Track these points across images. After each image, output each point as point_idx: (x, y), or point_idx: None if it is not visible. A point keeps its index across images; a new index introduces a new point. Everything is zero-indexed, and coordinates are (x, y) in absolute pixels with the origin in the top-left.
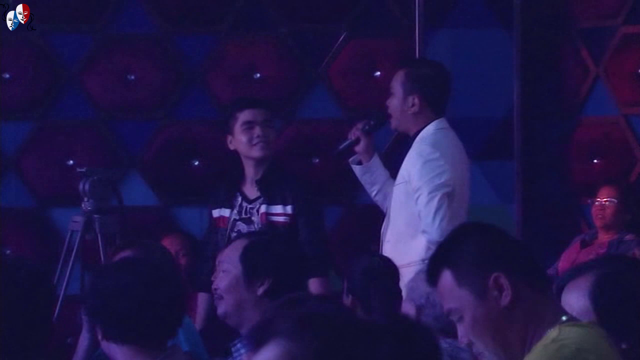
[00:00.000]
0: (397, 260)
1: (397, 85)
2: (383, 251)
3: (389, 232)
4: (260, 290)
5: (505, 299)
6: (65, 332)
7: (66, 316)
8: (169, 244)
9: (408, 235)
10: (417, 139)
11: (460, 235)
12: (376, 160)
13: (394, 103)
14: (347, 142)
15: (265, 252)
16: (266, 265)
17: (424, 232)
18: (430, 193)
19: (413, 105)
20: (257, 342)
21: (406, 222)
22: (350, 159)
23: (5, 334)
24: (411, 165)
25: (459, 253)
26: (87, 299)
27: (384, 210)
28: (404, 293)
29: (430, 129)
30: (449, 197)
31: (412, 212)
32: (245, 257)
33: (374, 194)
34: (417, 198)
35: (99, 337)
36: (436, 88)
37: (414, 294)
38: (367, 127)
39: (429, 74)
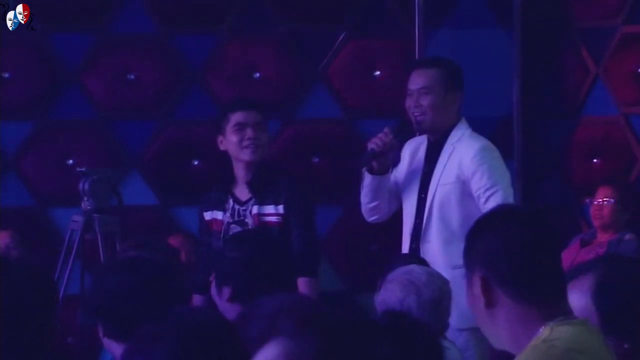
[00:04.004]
0: (449, 261)
1: (433, 82)
2: (424, 252)
3: (433, 232)
4: (225, 298)
5: (482, 301)
6: (64, 332)
7: (66, 316)
8: (175, 243)
9: (462, 235)
10: (455, 137)
11: (489, 221)
12: (390, 176)
13: (430, 100)
14: (369, 152)
15: (225, 260)
16: (226, 273)
17: None
18: (505, 190)
19: (454, 101)
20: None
21: (460, 223)
22: (366, 167)
23: (7, 334)
24: (476, 165)
25: (474, 239)
26: (89, 297)
27: (368, 219)
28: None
29: (463, 127)
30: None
31: (467, 212)
32: (214, 266)
33: (371, 205)
34: (490, 196)
35: (100, 334)
36: (462, 85)
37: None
38: (395, 134)
39: (457, 71)
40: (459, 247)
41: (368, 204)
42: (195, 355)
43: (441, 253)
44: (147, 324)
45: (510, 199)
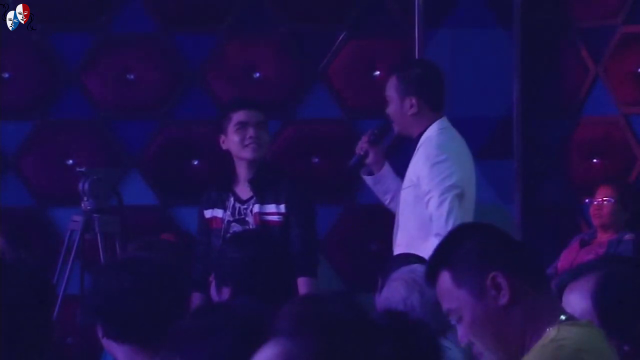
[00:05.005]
0: None
1: (391, 91)
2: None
3: (399, 235)
4: (225, 298)
5: (503, 299)
6: (64, 332)
7: (66, 316)
8: None
9: (419, 238)
10: (421, 140)
11: (458, 236)
12: (387, 170)
13: (392, 109)
14: (356, 158)
15: (225, 260)
16: (225, 273)
17: (437, 235)
18: (441, 196)
19: (411, 106)
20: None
21: (417, 226)
22: (362, 171)
23: (6, 334)
24: (419, 168)
25: (456, 254)
26: (89, 298)
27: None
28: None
29: (433, 129)
30: (459, 198)
31: (422, 215)
32: (214, 266)
33: (387, 202)
34: (428, 201)
35: (99, 335)
36: (430, 86)
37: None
38: (372, 138)
39: (420, 73)
40: (418, 250)
41: (384, 202)
42: (251, 347)
43: None
44: (193, 318)
45: (445, 204)
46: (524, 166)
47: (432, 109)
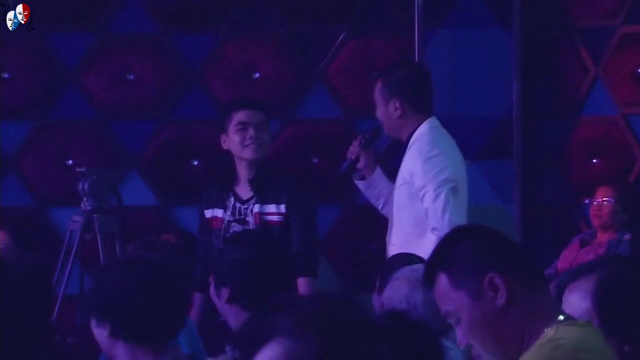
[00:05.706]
0: None
1: (377, 95)
2: (389, 255)
3: (393, 235)
4: (224, 299)
5: (501, 299)
6: (64, 332)
7: (66, 316)
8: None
9: (415, 235)
10: (412, 139)
11: (454, 238)
12: (379, 174)
13: (379, 113)
14: (347, 162)
15: (224, 261)
16: (224, 274)
17: (433, 229)
18: (436, 189)
19: (396, 109)
20: (256, 342)
21: (413, 223)
22: (354, 176)
23: (5, 334)
24: (412, 164)
25: (453, 256)
26: (90, 298)
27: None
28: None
29: (423, 128)
30: (454, 192)
31: (417, 212)
32: (213, 266)
33: (380, 206)
34: (423, 196)
35: (105, 335)
36: (414, 88)
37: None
38: (364, 142)
39: (403, 76)
40: (414, 248)
41: (378, 208)
42: None
43: None
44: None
45: (441, 198)
46: (524, 166)
47: (417, 110)
